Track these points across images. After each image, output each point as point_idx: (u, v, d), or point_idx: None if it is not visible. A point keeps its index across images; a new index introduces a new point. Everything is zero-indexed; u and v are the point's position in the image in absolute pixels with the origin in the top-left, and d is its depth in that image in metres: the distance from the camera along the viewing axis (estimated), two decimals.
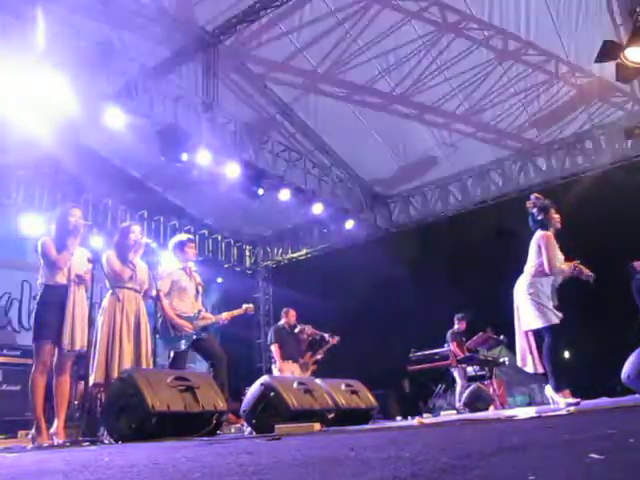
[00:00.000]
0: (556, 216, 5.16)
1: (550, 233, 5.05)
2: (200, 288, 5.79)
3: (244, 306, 6.10)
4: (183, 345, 5.43)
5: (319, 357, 8.73)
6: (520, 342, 5.13)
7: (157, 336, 5.42)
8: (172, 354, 5.43)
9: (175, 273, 5.64)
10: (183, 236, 6.10)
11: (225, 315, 5.87)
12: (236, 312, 6.02)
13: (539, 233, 5.08)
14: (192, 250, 5.87)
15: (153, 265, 5.61)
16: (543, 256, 4.95)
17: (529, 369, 5.09)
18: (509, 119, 8.65)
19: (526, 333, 5.05)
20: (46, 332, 4.48)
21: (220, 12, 7.50)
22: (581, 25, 7.06)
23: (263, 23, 7.48)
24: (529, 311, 4.91)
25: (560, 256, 5.04)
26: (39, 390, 4.45)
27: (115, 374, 4.61)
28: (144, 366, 4.88)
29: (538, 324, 4.84)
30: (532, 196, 5.32)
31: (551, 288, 5.03)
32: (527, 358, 5.04)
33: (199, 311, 5.61)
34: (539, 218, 5.13)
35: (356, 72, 8.17)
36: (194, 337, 5.48)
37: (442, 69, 8.04)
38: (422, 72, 8.11)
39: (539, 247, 5.00)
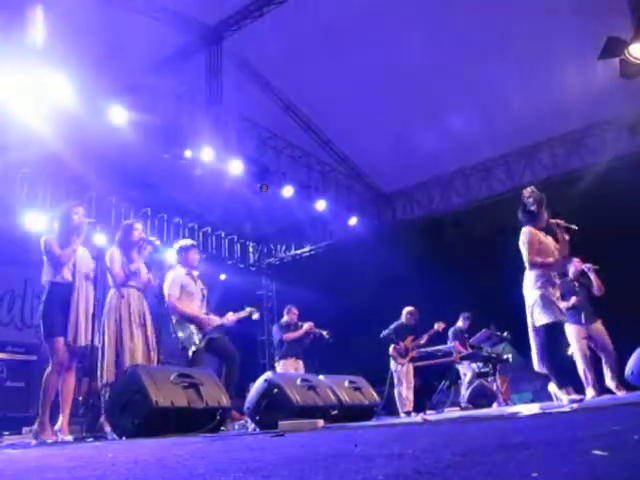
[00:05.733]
0: (545, 215, 5.12)
1: (533, 229, 5.02)
2: (204, 292, 5.85)
3: (248, 309, 6.18)
4: (202, 343, 5.50)
5: (422, 342, 8.72)
6: (536, 342, 5.01)
7: (173, 336, 5.48)
8: (191, 353, 5.46)
9: (182, 278, 5.70)
10: (187, 242, 6.13)
11: (231, 316, 5.93)
12: (241, 314, 6.10)
13: (524, 230, 5.05)
14: (196, 256, 5.92)
15: (157, 263, 5.63)
16: (523, 252, 4.94)
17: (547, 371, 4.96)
18: (513, 114, 8.61)
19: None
20: (57, 329, 4.50)
21: (224, 8, 7.49)
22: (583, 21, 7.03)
23: (267, 19, 7.46)
24: (536, 307, 4.79)
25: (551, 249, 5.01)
26: (52, 389, 4.48)
27: (119, 371, 4.63)
28: (153, 362, 4.91)
29: (544, 320, 4.76)
30: (529, 187, 5.29)
31: (557, 278, 4.99)
32: None
33: (207, 314, 5.69)
34: (531, 208, 5.09)
35: (360, 68, 8.14)
36: (207, 337, 5.56)
37: (446, 65, 8.01)
38: (426, 67, 8.08)
39: (522, 244, 4.99)
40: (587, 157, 9.13)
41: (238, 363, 5.66)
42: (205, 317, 5.58)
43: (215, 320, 5.69)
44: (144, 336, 4.95)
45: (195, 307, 5.64)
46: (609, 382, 6.46)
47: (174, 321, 5.50)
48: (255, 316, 6.32)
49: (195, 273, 5.87)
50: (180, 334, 5.48)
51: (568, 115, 8.64)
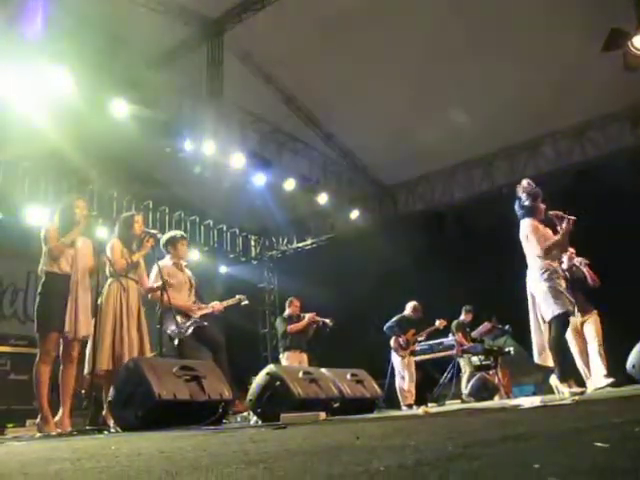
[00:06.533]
0: (542, 206, 5.10)
1: (533, 221, 5.00)
2: (193, 282, 5.86)
3: (237, 297, 6.21)
4: (189, 331, 5.50)
5: (421, 338, 8.74)
6: (537, 335, 4.93)
7: (157, 327, 5.48)
8: (177, 342, 5.47)
9: (168, 269, 5.68)
10: (177, 233, 6.14)
11: (218, 305, 5.95)
12: (231, 302, 6.13)
13: (524, 223, 5.03)
14: (185, 247, 5.93)
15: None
16: (532, 243, 4.92)
17: (548, 362, 4.86)
18: (516, 107, 8.57)
19: (543, 324, 4.90)
20: (50, 321, 4.48)
21: (225, 1, 7.46)
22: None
23: (268, 12, 7.43)
24: (546, 299, 4.77)
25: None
26: (43, 380, 4.46)
27: (115, 363, 4.65)
28: (147, 354, 4.93)
29: (555, 311, 4.74)
30: (524, 180, 5.26)
31: (561, 268, 4.99)
32: (546, 352, 4.90)
33: (194, 302, 5.74)
34: (526, 204, 5.06)
35: (361, 61, 8.11)
36: (195, 325, 5.57)
37: (448, 58, 7.98)
38: (428, 60, 8.05)
39: (527, 237, 4.97)
40: (590, 150, 9.10)
41: (224, 351, 5.67)
42: (190, 306, 5.61)
43: (202, 309, 5.71)
44: (139, 328, 4.97)
45: (182, 297, 5.63)
46: (598, 379, 6.28)
47: (159, 312, 5.50)
48: (244, 303, 6.31)
49: (183, 263, 5.88)
50: (166, 324, 5.48)
51: (571, 108, 8.61)
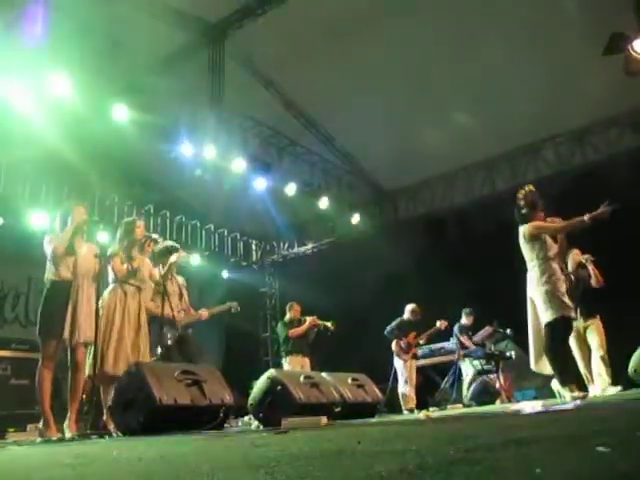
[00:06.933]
0: (541, 214, 5.10)
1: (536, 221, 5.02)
2: (182, 290, 5.97)
3: (227, 304, 6.25)
4: (172, 342, 5.59)
5: (422, 341, 8.75)
6: (535, 341, 4.92)
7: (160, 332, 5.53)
8: (160, 350, 5.49)
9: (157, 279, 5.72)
10: (169, 243, 6.20)
11: (204, 312, 6.00)
12: (219, 309, 6.19)
13: (525, 227, 5.02)
14: (176, 258, 5.98)
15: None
16: (548, 232, 4.92)
17: (545, 370, 4.86)
18: (517, 111, 8.58)
19: (540, 330, 4.89)
20: (52, 327, 4.48)
21: (226, 6, 7.48)
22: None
23: (269, 17, 7.44)
24: (544, 302, 4.75)
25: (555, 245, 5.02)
26: (46, 384, 4.46)
27: (114, 368, 4.64)
28: (146, 359, 4.92)
29: (553, 315, 4.72)
30: (526, 187, 5.27)
31: (562, 271, 5.00)
32: (542, 359, 4.87)
33: (182, 310, 5.84)
34: (524, 212, 5.08)
35: (362, 66, 8.13)
36: (179, 335, 5.66)
37: (449, 62, 7.99)
38: (427, 68, 8.06)
39: (533, 236, 4.96)
40: (591, 154, 9.10)
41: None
42: (176, 316, 5.64)
43: (188, 316, 5.76)
44: (137, 335, 4.96)
45: (172, 304, 5.64)
46: (604, 387, 6.17)
47: (149, 320, 5.52)
48: (235, 310, 6.36)
49: (174, 272, 5.95)
50: (151, 332, 5.49)
51: (571, 112, 8.61)
